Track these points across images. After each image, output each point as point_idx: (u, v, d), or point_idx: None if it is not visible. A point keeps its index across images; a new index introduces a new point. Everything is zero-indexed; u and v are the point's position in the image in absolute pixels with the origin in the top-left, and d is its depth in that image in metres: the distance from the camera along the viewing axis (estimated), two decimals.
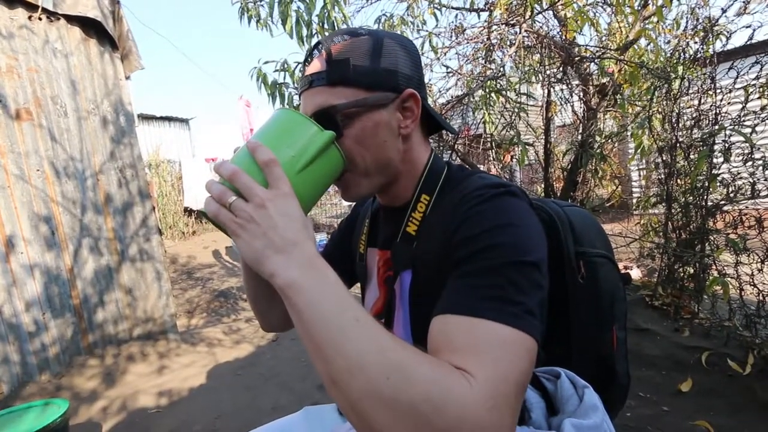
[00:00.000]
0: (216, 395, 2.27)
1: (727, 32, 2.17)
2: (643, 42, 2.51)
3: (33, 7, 2.33)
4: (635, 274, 2.75)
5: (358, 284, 0.77)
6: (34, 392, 2.22)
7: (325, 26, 1.98)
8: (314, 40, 2.19)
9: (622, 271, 0.71)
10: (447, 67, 2.43)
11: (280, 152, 0.48)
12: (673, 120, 2.25)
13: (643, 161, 2.96)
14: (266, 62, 2.45)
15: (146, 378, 2.50)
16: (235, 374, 2.52)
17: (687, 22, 2.34)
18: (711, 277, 2.14)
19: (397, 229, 0.62)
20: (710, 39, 2.16)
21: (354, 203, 0.85)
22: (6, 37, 2.25)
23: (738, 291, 2.03)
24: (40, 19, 2.37)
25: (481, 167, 3.07)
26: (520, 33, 2.19)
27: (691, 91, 2.26)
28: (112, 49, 2.70)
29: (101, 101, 2.67)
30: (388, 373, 0.37)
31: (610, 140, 2.65)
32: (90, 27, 2.59)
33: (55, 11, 2.40)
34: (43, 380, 2.31)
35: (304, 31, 2.02)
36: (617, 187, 3.39)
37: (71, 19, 2.50)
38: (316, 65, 0.58)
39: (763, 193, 1.98)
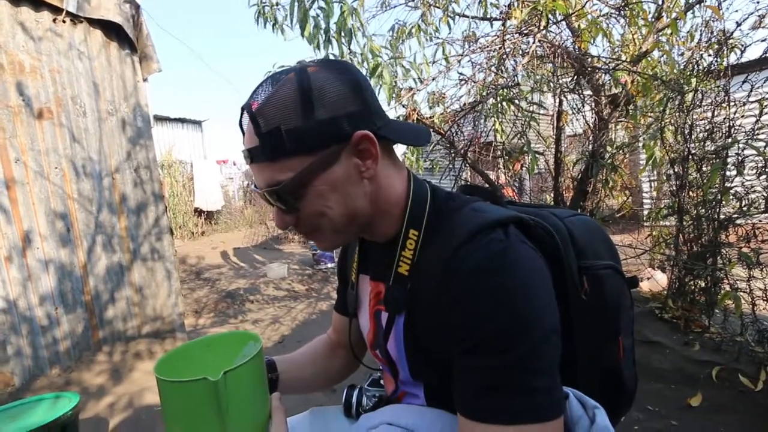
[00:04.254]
0: None
1: (742, 45, 2.17)
2: (656, 53, 2.51)
3: (58, 10, 2.40)
4: (660, 278, 2.68)
5: None
6: (44, 386, 2.25)
7: (342, 34, 2.01)
8: (330, 48, 2.23)
9: (638, 275, 0.69)
10: (460, 74, 2.45)
11: (197, 430, 0.44)
12: (686, 132, 2.24)
13: (655, 172, 2.94)
14: (281, 66, 2.50)
15: (153, 376, 2.52)
16: None
17: (701, 34, 2.33)
18: (723, 291, 2.11)
19: (387, 263, 0.59)
20: (724, 52, 2.16)
21: None
22: (31, 39, 2.32)
23: (750, 306, 2.00)
24: (64, 21, 2.44)
25: (491, 174, 3.08)
26: (533, 43, 2.20)
27: (704, 104, 2.25)
28: (131, 51, 2.77)
29: (120, 102, 2.73)
30: None
31: (621, 151, 2.64)
32: (111, 30, 2.66)
33: (79, 14, 2.47)
34: (53, 374, 2.35)
35: (322, 37, 2.05)
36: (628, 198, 3.37)
37: (94, 23, 2.58)
38: (249, 138, 0.53)
39: None
